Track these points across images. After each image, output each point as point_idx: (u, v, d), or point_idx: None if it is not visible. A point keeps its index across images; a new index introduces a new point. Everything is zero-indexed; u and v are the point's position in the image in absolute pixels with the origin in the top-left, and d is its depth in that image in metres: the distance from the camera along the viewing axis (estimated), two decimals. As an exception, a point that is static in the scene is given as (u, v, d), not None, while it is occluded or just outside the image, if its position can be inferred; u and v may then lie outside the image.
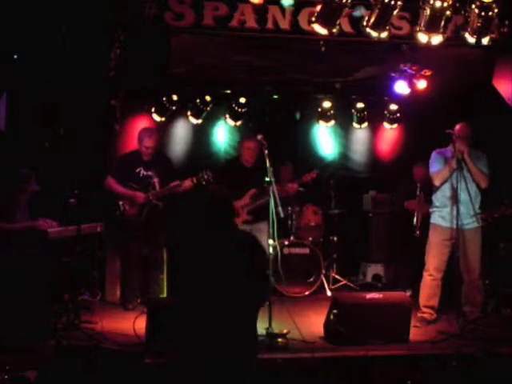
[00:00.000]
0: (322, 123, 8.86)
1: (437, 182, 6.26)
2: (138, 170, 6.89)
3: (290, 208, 7.93)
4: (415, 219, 7.43)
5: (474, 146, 6.21)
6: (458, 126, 6.20)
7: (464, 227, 6.11)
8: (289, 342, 5.43)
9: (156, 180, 6.89)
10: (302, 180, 7.67)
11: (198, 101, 8.17)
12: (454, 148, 6.09)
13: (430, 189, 7.19)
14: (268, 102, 8.55)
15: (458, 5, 5.77)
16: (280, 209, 5.84)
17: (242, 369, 3.94)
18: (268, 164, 5.90)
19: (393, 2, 5.51)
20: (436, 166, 6.28)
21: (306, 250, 7.85)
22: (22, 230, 5.78)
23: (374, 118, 8.91)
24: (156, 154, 7.03)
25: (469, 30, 5.80)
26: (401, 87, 6.87)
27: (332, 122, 8.84)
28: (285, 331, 5.52)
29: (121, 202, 6.85)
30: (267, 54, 7.04)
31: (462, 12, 5.83)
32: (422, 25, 5.73)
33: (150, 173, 6.90)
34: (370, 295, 5.69)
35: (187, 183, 6.80)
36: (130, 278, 6.93)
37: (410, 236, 7.44)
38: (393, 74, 6.92)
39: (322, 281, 7.81)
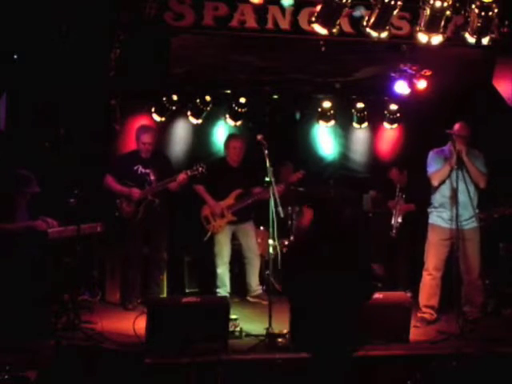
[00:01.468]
0: (322, 123, 8.85)
1: (435, 182, 6.26)
2: (135, 168, 6.91)
3: (290, 208, 7.93)
4: (393, 219, 7.49)
5: (472, 146, 6.21)
6: (456, 126, 6.21)
7: (463, 227, 6.11)
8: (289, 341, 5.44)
9: (153, 178, 6.91)
10: (288, 181, 7.64)
11: (198, 101, 8.16)
12: (454, 147, 6.10)
13: (409, 190, 7.47)
14: (268, 102, 8.55)
15: (458, 5, 5.77)
16: (280, 209, 5.85)
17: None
18: (268, 164, 5.90)
19: (393, 2, 5.51)
20: (434, 166, 6.27)
21: (306, 250, 7.83)
22: (20, 230, 5.78)
23: (374, 118, 8.91)
24: (155, 152, 7.06)
25: (469, 30, 5.80)
26: (401, 87, 6.87)
27: (332, 122, 8.84)
28: (285, 331, 5.53)
29: (118, 201, 6.86)
30: (267, 54, 7.04)
31: (462, 12, 5.83)
32: (422, 25, 5.73)
33: (147, 170, 6.92)
34: (370, 295, 5.68)
35: (181, 176, 6.82)
36: (129, 278, 6.94)
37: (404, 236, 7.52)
38: (393, 74, 6.92)
39: (322, 281, 7.79)
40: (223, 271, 7.29)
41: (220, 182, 7.26)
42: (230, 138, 7.51)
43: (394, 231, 7.47)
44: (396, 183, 7.69)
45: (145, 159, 6.94)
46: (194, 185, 7.26)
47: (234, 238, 7.43)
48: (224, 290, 7.27)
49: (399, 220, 7.49)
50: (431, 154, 6.35)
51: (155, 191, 6.88)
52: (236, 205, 7.27)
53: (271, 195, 5.85)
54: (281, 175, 7.99)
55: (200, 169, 6.87)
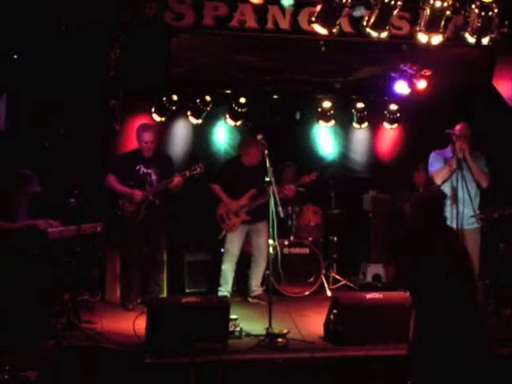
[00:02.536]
0: (322, 123, 8.85)
1: (438, 181, 6.26)
2: (137, 168, 6.91)
3: (290, 208, 7.93)
4: None
5: (473, 148, 6.22)
6: (458, 126, 6.24)
7: (464, 227, 6.11)
8: (289, 341, 5.44)
9: (154, 178, 6.91)
10: (300, 182, 7.67)
11: (198, 101, 8.16)
12: (454, 148, 6.12)
13: None
14: (268, 102, 8.55)
15: (458, 5, 5.78)
16: (280, 209, 5.85)
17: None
18: (268, 164, 5.90)
19: (393, 2, 5.52)
20: (436, 166, 6.29)
21: (306, 250, 7.85)
22: (22, 229, 5.78)
23: (374, 118, 8.90)
24: (157, 152, 7.07)
25: (469, 30, 5.81)
26: (401, 87, 6.86)
27: (332, 122, 8.83)
28: (285, 331, 5.52)
29: (120, 201, 6.86)
30: (267, 54, 7.04)
31: (462, 12, 5.84)
32: (422, 25, 5.74)
33: (149, 170, 6.92)
34: (369, 295, 5.69)
35: (177, 179, 6.83)
36: (130, 278, 6.93)
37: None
38: (393, 74, 6.91)
39: (322, 281, 7.81)
40: (228, 268, 7.30)
41: (235, 182, 7.30)
42: (249, 146, 7.35)
43: None
44: (419, 186, 7.59)
45: (147, 159, 6.94)
46: (210, 184, 7.31)
47: (247, 237, 7.45)
48: (226, 288, 7.27)
49: None
50: (432, 156, 6.37)
51: (155, 192, 6.89)
52: (250, 204, 7.30)
53: (271, 195, 5.85)
54: (283, 176, 8.00)
55: (198, 169, 6.89)
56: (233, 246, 7.32)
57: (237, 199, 7.31)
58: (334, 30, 5.65)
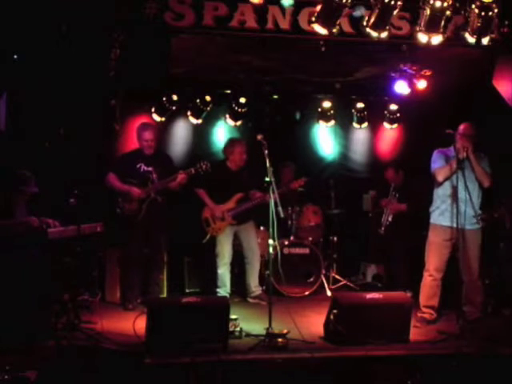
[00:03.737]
0: (322, 123, 8.85)
1: (440, 178, 6.24)
2: (138, 166, 6.92)
3: (290, 208, 7.93)
4: (384, 216, 7.56)
5: (477, 148, 6.21)
6: (462, 126, 6.21)
7: (465, 227, 6.10)
8: (289, 342, 5.44)
9: (155, 176, 6.91)
10: (289, 187, 7.62)
11: (198, 101, 8.16)
12: (455, 148, 6.12)
13: (401, 190, 7.68)
14: (268, 102, 8.55)
15: (458, 5, 5.77)
16: (280, 209, 5.84)
17: None
18: (268, 164, 5.89)
19: (393, 2, 5.52)
20: (438, 163, 6.28)
21: (306, 250, 7.85)
22: (16, 226, 5.75)
23: (374, 118, 8.91)
24: (157, 150, 7.08)
25: (469, 30, 5.81)
26: (401, 87, 6.88)
27: (332, 122, 8.84)
28: (285, 331, 5.53)
29: (120, 199, 6.86)
30: (267, 54, 7.04)
31: (462, 12, 5.83)
32: (422, 25, 5.74)
33: (150, 168, 6.93)
34: (369, 295, 5.69)
35: (180, 176, 6.84)
36: (129, 278, 6.94)
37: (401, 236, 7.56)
38: (393, 74, 6.93)
39: (322, 281, 7.81)
40: (224, 271, 7.30)
41: (221, 186, 7.27)
42: (235, 143, 7.42)
43: (382, 229, 7.56)
44: (391, 183, 7.75)
45: (147, 157, 6.95)
46: (195, 188, 7.28)
47: (236, 238, 7.44)
48: (224, 290, 7.28)
49: (389, 219, 7.56)
50: (435, 153, 6.36)
51: (158, 189, 6.89)
52: (236, 208, 7.29)
53: (271, 195, 5.84)
54: (283, 176, 8.01)
55: (204, 166, 6.89)
56: (224, 248, 7.30)
57: (223, 203, 7.29)
58: (334, 30, 5.65)
